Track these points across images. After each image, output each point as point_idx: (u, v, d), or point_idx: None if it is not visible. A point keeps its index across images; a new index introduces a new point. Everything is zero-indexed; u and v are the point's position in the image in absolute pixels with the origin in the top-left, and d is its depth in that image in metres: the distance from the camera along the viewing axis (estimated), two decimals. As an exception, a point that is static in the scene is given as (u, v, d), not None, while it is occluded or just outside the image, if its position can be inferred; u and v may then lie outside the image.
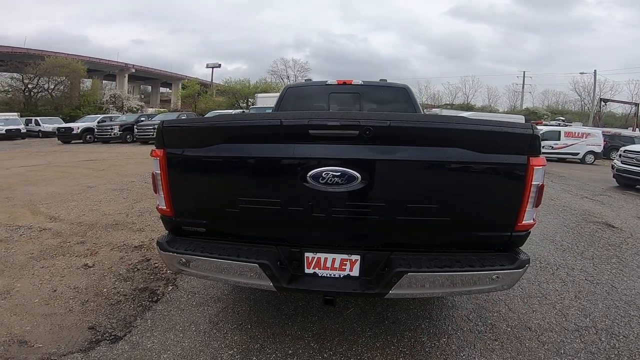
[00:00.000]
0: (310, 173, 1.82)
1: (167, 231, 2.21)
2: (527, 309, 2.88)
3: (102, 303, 2.87)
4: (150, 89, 60.72)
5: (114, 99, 37.97)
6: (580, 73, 44.19)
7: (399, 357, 2.28)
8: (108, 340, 2.41)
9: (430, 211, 1.87)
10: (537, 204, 1.89)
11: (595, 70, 41.57)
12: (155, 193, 2.11)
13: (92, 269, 3.47)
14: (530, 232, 2.00)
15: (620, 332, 2.61)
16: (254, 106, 26.06)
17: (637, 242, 4.75)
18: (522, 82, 51.91)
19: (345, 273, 1.99)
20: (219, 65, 52.36)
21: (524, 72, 51.94)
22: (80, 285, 3.15)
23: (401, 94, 4.44)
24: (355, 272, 1.98)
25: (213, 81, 50.21)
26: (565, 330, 2.60)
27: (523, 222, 1.89)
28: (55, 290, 3.04)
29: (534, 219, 1.93)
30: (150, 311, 2.78)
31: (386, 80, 4.82)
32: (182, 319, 2.67)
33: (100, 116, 24.59)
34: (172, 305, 2.87)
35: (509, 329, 2.60)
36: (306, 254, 1.99)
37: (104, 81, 48.43)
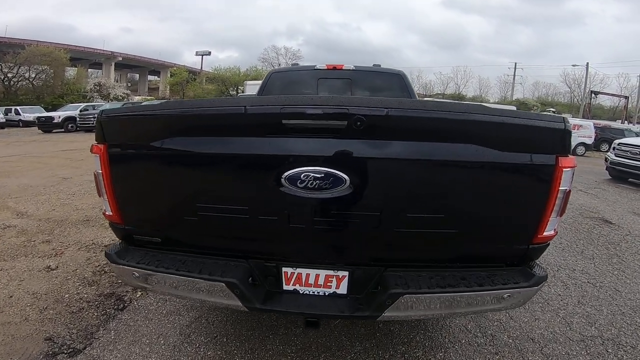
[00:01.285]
0: (285, 174, 1.47)
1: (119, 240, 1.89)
2: (529, 317, 2.66)
3: (62, 311, 2.59)
4: (138, 77, 59.38)
5: (98, 87, 36.80)
6: (573, 65, 44.54)
7: (391, 375, 2.05)
8: (66, 353, 2.17)
9: (435, 222, 1.55)
10: (562, 212, 1.58)
11: (587, 63, 41.85)
12: (99, 197, 1.77)
13: (55, 271, 3.16)
14: (549, 244, 1.70)
15: (627, 342, 2.42)
16: (243, 94, 25.51)
17: (636, 240, 4.60)
18: (513, 74, 52.20)
19: (331, 290, 1.68)
20: (209, 53, 51.66)
21: (515, 63, 52.29)
22: (39, 290, 2.85)
23: (396, 81, 4.08)
24: (343, 289, 1.67)
25: (203, 69, 49.27)
26: (570, 341, 2.40)
27: (544, 233, 1.59)
28: (11, 297, 2.74)
29: (555, 230, 1.63)
30: (115, 320, 2.50)
31: (380, 66, 4.49)
32: (150, 330, 2.40)
33: (83, 105, 23.77)
34: (139, 314, 2.59)
35: (510, 341, 2.38)
36: (284, 269, 1.68)
37: (90, 70, 47.17)
